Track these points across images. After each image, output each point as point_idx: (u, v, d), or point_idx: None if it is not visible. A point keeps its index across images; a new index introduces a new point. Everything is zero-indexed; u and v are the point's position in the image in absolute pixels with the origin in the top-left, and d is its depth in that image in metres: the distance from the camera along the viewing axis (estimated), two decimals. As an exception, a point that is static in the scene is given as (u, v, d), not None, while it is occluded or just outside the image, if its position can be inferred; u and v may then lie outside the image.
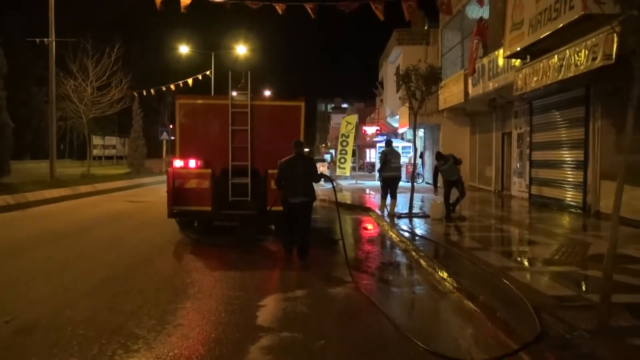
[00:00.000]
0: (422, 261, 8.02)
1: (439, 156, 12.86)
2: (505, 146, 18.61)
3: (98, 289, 6.47)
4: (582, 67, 9.51)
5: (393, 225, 11.27)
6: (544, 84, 11.43)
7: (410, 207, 13.02)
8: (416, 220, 11.98)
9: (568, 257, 7.88)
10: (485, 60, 16.29)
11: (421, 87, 12.90)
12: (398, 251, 9.17)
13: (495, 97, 16.78)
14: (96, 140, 44.91)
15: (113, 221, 12.78)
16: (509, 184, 18.22)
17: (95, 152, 44.57)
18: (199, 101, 10.47)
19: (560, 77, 10.42)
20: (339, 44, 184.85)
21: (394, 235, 10.63)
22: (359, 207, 15.63)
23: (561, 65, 10.49)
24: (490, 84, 15.89)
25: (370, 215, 14.16)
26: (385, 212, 13.26)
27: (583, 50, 9.44)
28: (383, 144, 28.90)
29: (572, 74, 9.86)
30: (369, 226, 12.49)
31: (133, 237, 10.27)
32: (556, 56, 10.78)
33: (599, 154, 12.30)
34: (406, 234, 10.07)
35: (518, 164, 17.21)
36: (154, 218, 13.31)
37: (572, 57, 10.00)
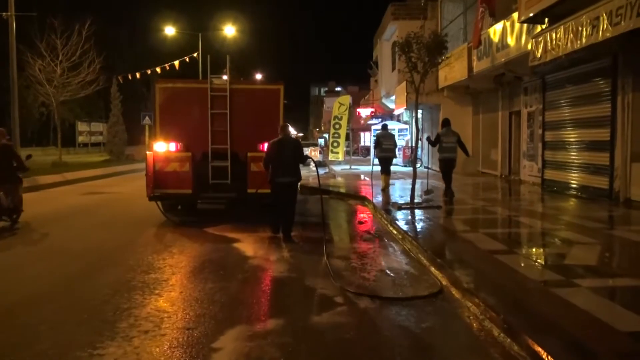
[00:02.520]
0: (433, 269, 6.36)
1: (445, 122, 12.54)
2: (513, 126, 16.94)
3: (0, 319, 4.78)
4: (623, 26, 7.79)
5: (393, 218, 9.60)
6: (571, 50, 9.72)
7: (412, 196, 11.36)
8: (419, 213, 10.33)
9: (621, 264, 6.24)
10: (492, 31, 14.53)
11: (424, 57, 11.20)
12: (401, 254, 7.50)
13: (504, 72, 15.04)
14: (82, 126, 42.35)
15: (67, 218, 11.04)
16: (517, 167, 16.58)
17: (80, 139, 42.23)
18: (179, 85, 10.40)
19: (592, 41, 8.71)
20: (333, 26, 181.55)
21: (394, 232, 8.97)
22: (354, 196, 13.94)
23: (593, 27, 8.77)
24: (500, 57, 14.14)
25: (366, 206, 12.48)
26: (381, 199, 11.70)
27: (626, 6, 7.71)
28: (379, 127, 27.35)
29: (610, 35, 8.15)
30: (365, 219, 10.81)
31: (80, 241, 8.58)
32: (585, 16, 9.06)
33: (629, 133, 10.66)
34: (410, 231, 8.41)
35: (528, 146, 15.55)
36: (118, 213, 11.65)
37: (608, 16, 8.28)
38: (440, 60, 11.46)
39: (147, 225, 9.94)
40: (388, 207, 11.22)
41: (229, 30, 33.69)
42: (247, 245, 8.15)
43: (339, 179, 19.39)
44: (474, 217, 10.12)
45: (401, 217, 9.92)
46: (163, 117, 9.99)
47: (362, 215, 11.35)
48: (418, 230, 8.84)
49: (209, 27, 38.44)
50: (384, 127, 15.34)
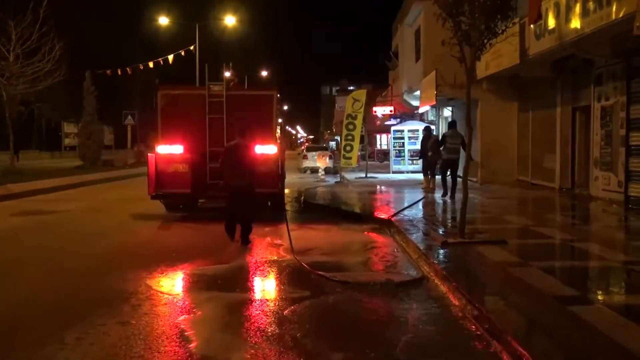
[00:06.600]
0: None
1: (452, 124, 13.23)
2: (577, 126, 13.28)
3: None
4: None
5: (438, 265, 6.00)
6: None
7: (462, 225, 7.73)
8: (476, 252, 6.72)
9: None
10: (559, -2, 10.88)
11: (479, 24, 7.66)
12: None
13: (574, 53, 11.39)
14: (68, 127, 38.92)
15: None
16: (583, 178, 12.92)
17: (67, 141, 39.03)
18: (179, 91, 11.35)
19: None
20: (346, 19, 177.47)
21: (442, 290, 5.39)
22: (374, 219, 10.32)
23: None
24: (570, 32, 10.48)
25: (392, 236, 8.87)
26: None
27: None
28: (398, 128, 23.84)
29: None
30: (391, 262, 7.20)
31: None
32: None
33: None
34: (474, 298, 4.82)
35: (603, 151, 11.87)
36: (45, 245, 8.13)
37: None
38: (504, 28, 7.90)
39: (78, 271, 6.60)
40: (428, 241, 7.66)
41: (230, 21, 30.30)
42: (211, 311, 4.69)
43: (352, 190, 15.82)
44: (564, 265, 6.54)
45: (451, 261, 6.37)
46: (164, 120, 10.79)
47: (385, 256, 7.79)
48: (483, 291, 5.26)
49: (204, 16, 34.85)
50: (428, 129, 16.42)
